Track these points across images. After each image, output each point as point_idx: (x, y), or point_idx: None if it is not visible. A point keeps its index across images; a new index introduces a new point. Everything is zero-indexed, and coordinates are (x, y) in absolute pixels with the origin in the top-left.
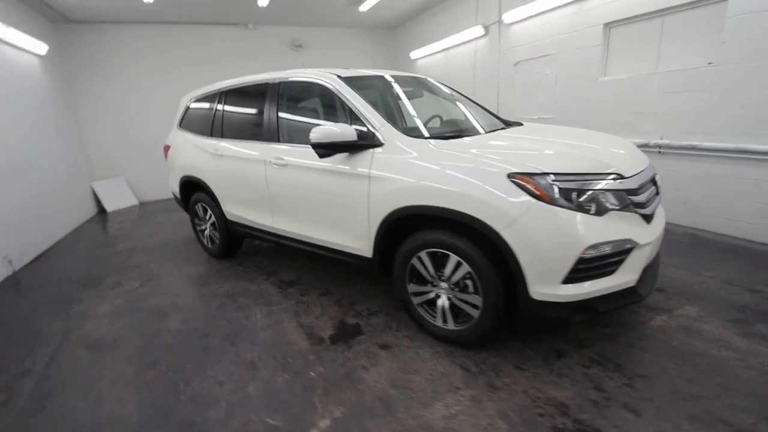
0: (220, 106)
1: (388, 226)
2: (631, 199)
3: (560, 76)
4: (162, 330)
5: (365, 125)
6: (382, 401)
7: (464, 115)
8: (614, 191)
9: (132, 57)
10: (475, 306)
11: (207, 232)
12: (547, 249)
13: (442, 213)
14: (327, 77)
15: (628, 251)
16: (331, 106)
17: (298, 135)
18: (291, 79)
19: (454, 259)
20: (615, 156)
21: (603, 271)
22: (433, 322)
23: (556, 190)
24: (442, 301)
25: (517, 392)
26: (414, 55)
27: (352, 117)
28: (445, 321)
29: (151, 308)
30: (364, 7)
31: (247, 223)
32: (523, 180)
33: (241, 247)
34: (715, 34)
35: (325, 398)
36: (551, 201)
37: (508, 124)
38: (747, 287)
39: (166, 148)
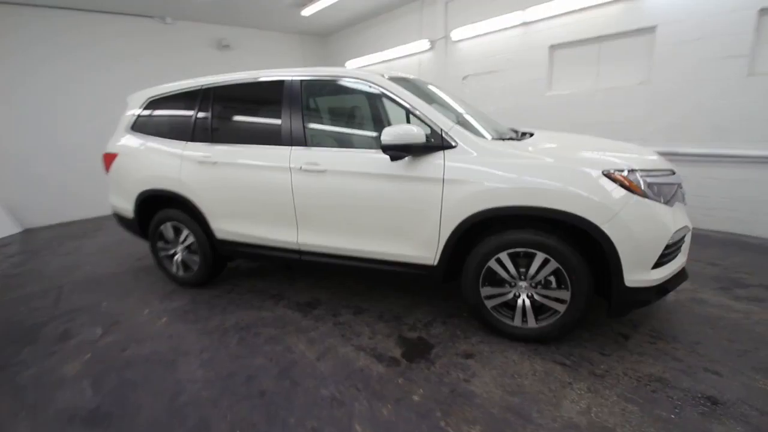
0: (205, 107)
1: (464, 230)
2: (683, 191)
3: (509, 91)
4: (183, 382)
5: (429, 126)
6: (511, 410)
7: (483, 119)
8: (675, 184)
9: (19, 44)
10: (560, 301)
11: (179, 257)
12: (644, 239)
13: (534, 212)
14: (372, 77)
15: (684, 236)
16: (374, 107)
17: (335, 138)
18: (318, 77)
19: (540, 257)
20: (656, 157)
21: (673, 255)
22: (509, 323)
23: (644, 184)
24: (522, 301)
25: (620, 376)
26: (351, 64)
27: (408, 118)
28: (524, 320)
29: (145, 357)
30: (307, 12)
31: (249, 240)
32: (618, 177)
33: (223, 271)
34: (646, 59)
35: (450, 420)
36: (643, 195)
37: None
38: (708, 263)
39: (109, 158)
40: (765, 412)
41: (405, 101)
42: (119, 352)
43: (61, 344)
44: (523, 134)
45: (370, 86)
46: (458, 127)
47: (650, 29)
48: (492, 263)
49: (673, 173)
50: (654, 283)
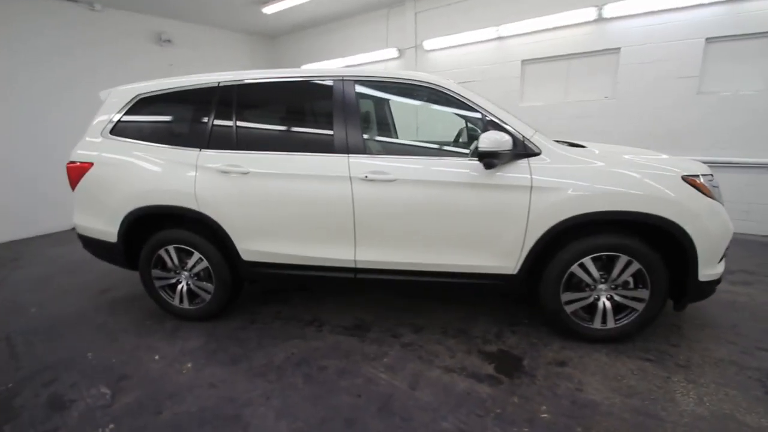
0: (226, 108)
1: (551, 237)
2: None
3: None
4: None
5: (509, 133)
6: (640, 413)
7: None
8: (717, 187)
9: None
10: (639, 300)
11: (183, 286)
12: (715, 236)
13: (623, 216)
14: (441, 81)
15: None
16: (438, 112)
17: (400, 145)
18: (377, 78)
19: (624, 259)
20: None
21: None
22: (589, 326)
23: (710, 187)
24: (603, 303)
25: (701, 364)
26: (309, 67)
27: (485, 125)
28: (603, 322)
29: (195, 418)
30: (269, 9)
31: (288, 261)
32: (694, 181)
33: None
34: (612, 76)
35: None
36: (711, 196)
37: None
38: None
39: (77, 169)
40: None
41: (481, 107)
42: (154, 416)
43: (59, 416)
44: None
45: (446, 91)
46: (540, 135)
47: (615, 50)
48: (575, 268)
49: (713, 177)
50: (717, 277)
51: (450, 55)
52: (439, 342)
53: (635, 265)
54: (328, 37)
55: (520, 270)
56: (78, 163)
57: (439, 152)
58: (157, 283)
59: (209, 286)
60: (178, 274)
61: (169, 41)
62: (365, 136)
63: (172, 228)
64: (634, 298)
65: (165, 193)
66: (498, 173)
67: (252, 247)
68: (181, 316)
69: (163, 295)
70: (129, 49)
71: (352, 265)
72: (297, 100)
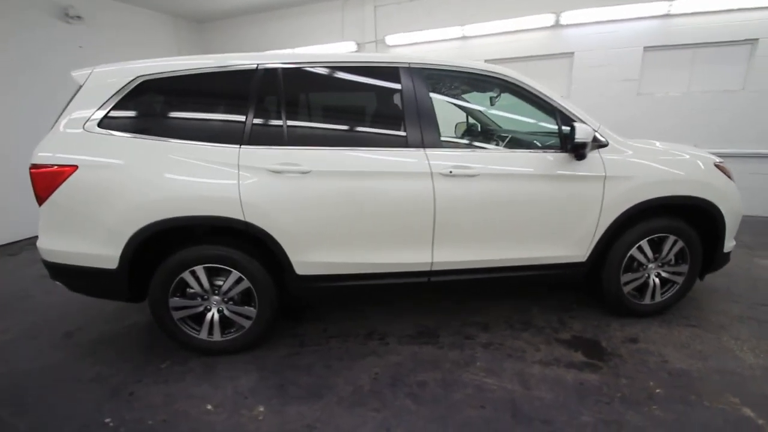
0: (270, 95)
1: (618, 224)
2: None
3: None
4: None
5: (559, 126)
6: (724, 372)
7: None
8: None
9: None
10: (679, 274)
11: (213, 314)
12: (737, 214)
13: (677, 201)
14: (511, 72)
15: None
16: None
17: (477, 137)
18: (445, 67)
19: (671, 239)
20: None
21: None
22: (641, 302)
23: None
24: (651, 280)
25: (740, 320)
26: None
27: (554, 117)
28: (652, 297)
29: None
30: None
31: (355, 270)
32: (722, 167)
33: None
34: (567, 78)
35: (711, 399)
36: (731, 179)
37: None
38: None
39: (50, 176)
40: None
41: (553, 100)
42: None
43: None
44: None
45: (515, 82)
46: (603, 127)
47: (569, 54)
48: (634, 251)
49: None
50: (731, 249)
51: (414, 51)
52: (514, 337)
53: (679, 243)
54: (271, 25)
55: (589, 257)
56: (50, 168)
57: (515, 144)
58: (177, 315)
59: (250, 311)
60: (206, 300)
61: (78, 18)
62: (442, 129)
63: (202, 245)
64: (675, 273)
65: (198, 202)
66: (578, 164)
67: (310, 258)
68: (207, 351)
69: (183, 328)
70: (24, 23)
71: (428, 269)
72: (359, 88)
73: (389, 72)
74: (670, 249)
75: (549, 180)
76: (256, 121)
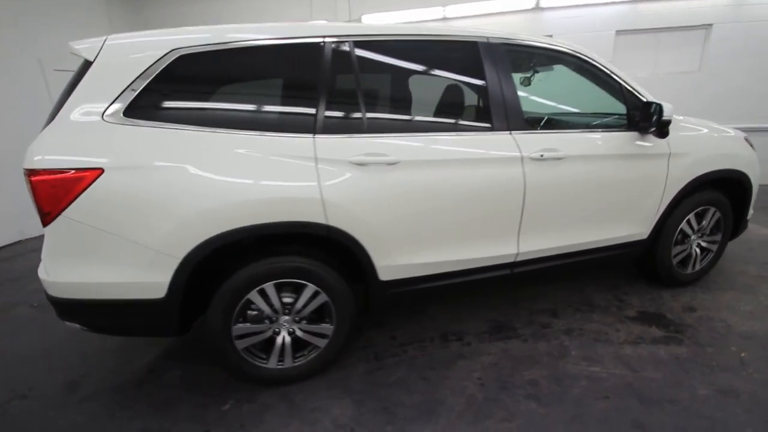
0: (342, 74)
1: (677, 200)
2: None
3: None
4: None
5: (629, 106)
6: None
7: None
8: None
9: None
10: (715, 242)
11: (284, 337)
12: (758, 183)
13: (725, 174)
14: (584, 49)
15: None
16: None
17: (557, 118)
18: (521, 42)
19: (712, 210)
20: None
21: None
22: (685, 272)
23: None
24: (694, 251)
25: (763, 280)
26: None
27: (622, 95)
28: (694, 267)
29: None
30: None
31: (440, 270)
32: (748, 140)
33: None
34: None
35: None
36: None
37: None
38: None
39: (59, 184)
40: None
41: (620, 77)
42: None
43: None
44: None
45: (588, 59)
46: (664, 103)
47: (548, 37)
48: (683, 224)
49: None
50: (751, 216)
51: None
52: (587, 320)
53: (717, 214)
54: (221, 3)
55: (650, 234)
56: (63, 173)
57: (585, 125)
58: (241, 344)
59: (326, 328)
60: (275, 321)
61: None
62: (525, 109)
63: (250, 264)
64: (712, 242)
65: (274, 205)
66: (649, 143)
67: (396, 261)
68: (277, 381)
69: (248, 358)
70: None
71: (512, 260)
72: (439, 65)
73: (468, 47)
74: (710, 220)
75: (625, 160)
76: (330, 105)
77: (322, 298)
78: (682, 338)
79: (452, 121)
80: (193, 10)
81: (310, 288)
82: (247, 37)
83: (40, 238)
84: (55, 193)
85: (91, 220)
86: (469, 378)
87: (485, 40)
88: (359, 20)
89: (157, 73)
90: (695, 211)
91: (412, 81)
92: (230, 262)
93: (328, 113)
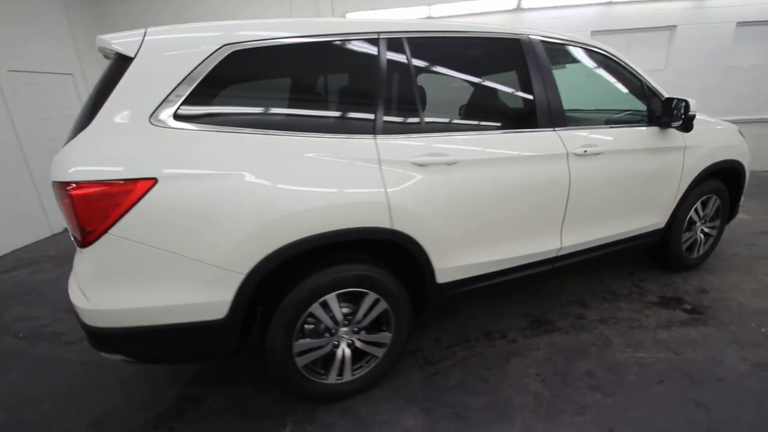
0: (397, 71)
1: (690, 189)
2: None
3: None
4: None
5: (653, 102)
6: None
7: None
8: None
9: None
10: (715, 228)
11: (343, 350)
12: (748, 169)
13: (727, 164)
14: (610, 48)
15: None
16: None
17: (590, 114)
18: (557, 40)
19: (713, 198)
20: None
21: None
22: (691, 256)
23: None
24: (700, 236)
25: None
26: None
27: (643, 92)
28: (699, 251)
29: None
30: None
31: (490, 269)
32: (741, 132)
33: None
34: None
35: None
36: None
37: None
38: None
39: (112, 197)
40: None
41: (642, 76)
42: None
43: None
44: None
45: (614, 57)
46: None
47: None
48: (692, 212)
49: None
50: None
51: None
52: (616, 308)
53: (717, 202)
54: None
55: (666, 223)
56: (110, 185)
57: (613, 120)
58: (302, 361)
59: (385, 337)
60: (334, 334)
61: None
62: (562, 105)
63: (325, 267)
64: (713, 228)
65: (344, 211)
66: (670, 137)
67: (453, 262)
68: (336, 396)
69: (307, 375)
70: None
71: (555, 255)
72: (487, 61)
73: (512, 44)
74: (712, 207)
75: (651, 153)
76: (388, 104)
77: (382, 305)
78: (705, 319)
79: (502, 119)
80: (161, 7)
81: (371, 296)
82: (301, 32)
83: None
84: (100, 208)
85: (144, 237)
86: (527, 375)
87: (527, 38)
88: (344, 17)
89: (208, 71)
90: (701, 200)
91: (463, 79)
92: (291, 275)
93: (387, 112)
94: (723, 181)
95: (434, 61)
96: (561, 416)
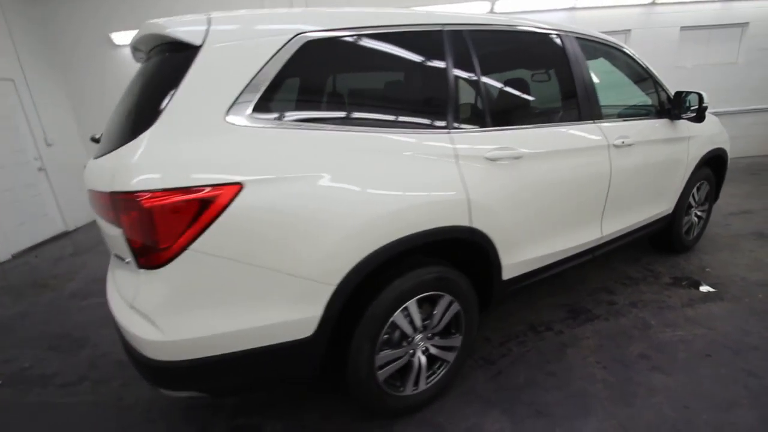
0: (463, 66)
1: (693, 176)
2: None
3: None
4: None
5: (666, 93)
6: None
7: None
8: None
9: None
10: (705, 210)
11: (419, 357)
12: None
13: (717, 152)
14: (622, 44)
15: None
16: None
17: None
18: (589, 36)
19: (705, 184)
20: None
21: None
22: (689, 238)
23: None
24: (695, 218)
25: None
26: (124, 38)
27: (651, 86)
28: (694, 233)
29: None
30: None
31: (546, 263)
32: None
33: None
34: None
35: None
36: None
37: None
38: None
39: (194, 206)
40: None
41: (652, 72)
42: None
43: None
44: None
45: (630, 53)
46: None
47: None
48: (690, 198)
49: None
50: None
51: None
52: (640, 291)
53: (707, 187)
54: None
55: (673, 209)
56: (192, 192)
57: (634, 114)
58: (383, 375)
59: (456, 339)
60: (410, 342)
61: None
62: (600, 99)
63: (410, 269)
64: (704, 211)
65: (428, 210)
66: (679, 127)
67: (517, 257)
68: (413, 408)
69: (386, 389)
70: None
71: (596, 244)
72: (537, 57)
73: (556, 40)
74: (704, 192)
75: (667, 143)
76: (456, 97)
77: (455, 307)
78: (720, 294)
79: (552, 113)
80: (109, 4)
81: (446, 298)
82: (374, 21)
83: None
84: (180, 220)
85: (229, 250)
86: (588, 364)
87: (565, 33)
88: None
89: (283, 63)
90: (696, 186)
91: (518, 73)
92: (375, 283)
93: (458, 108)
94: (711, 167)
95: (493, 57)
96: (636, 400)
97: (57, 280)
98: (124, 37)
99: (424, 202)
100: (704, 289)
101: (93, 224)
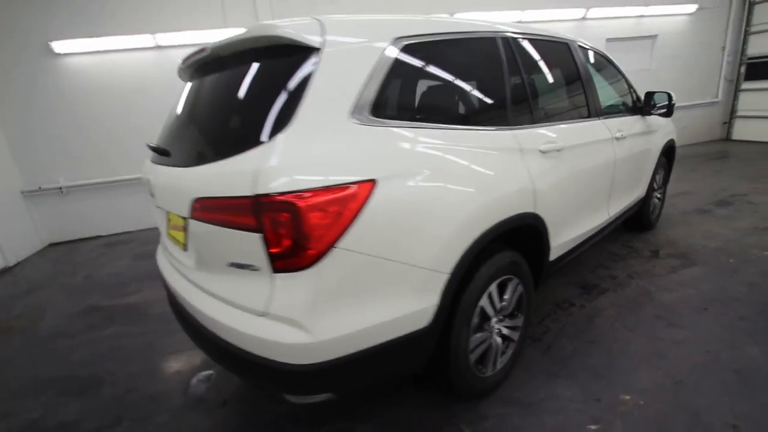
0: (513, 69)
1: (660, 158)
2: None
3: None
4: None
5: (632, 95)
6: (746, 245)
7: None
8: None
9: None
10: (662, 193)
11: (495, 339)
12: None
13: (669, 143)
14: (604, 51)
15: None
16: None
17: (608, 105)
18: (585, 44)
19: (661, 171)
20: None
21: None
22: (652, 217)
23: None
24: (655, 201)
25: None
26: (64, 46)
27: (625, 86)
28: (655, 212)
29: None
30: None
31: (575, 244)
32: None
33: None
34: None
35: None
36: None
37: None
38: None
39: (339, 203)
40: None
41: (623, 74)
42: None
43: None
44: None
45: (608, 57)
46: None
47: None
48: (653, 183)
49: None
50: None
51: None
52: (630, 265)
53: (662, 172)
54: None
55: (646, 192)
56: (337, 190)
57: (616, 111)
58: (472, 358)
59: (519, 320)
60: (489, 325)
61: None
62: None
63: (498, 253)
64: (660, 193)
65: (509, 199)
66: (650, 122)
67: (560, 239)
68: (491, 390)
69: (475, 372)
70: None
71: (605, 224)
72: (557, 62)
73: (573, 47)
74: (662, 177)
75: (645, 136)
76: (514, 98)
77: (520, 289)
78: (693, 261)
79: (572, 110)
80: (59, 9)
81: (514, 281)
82: (452, 28)
83: None
84: (328, 219)
85: (367, 246)
86: (616, 329)
87: (573, 42)
88: None
89: (390, 65)
90: (656, 172)
91: (547, 74)
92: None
93: (514, 106)
94: (665, 156)
95: (531, 62)
96: (669, 350)
97: (21, 320)
98: (69, 46)
99: (509, 192)
100: (676, 257)
101: (38, 255)
